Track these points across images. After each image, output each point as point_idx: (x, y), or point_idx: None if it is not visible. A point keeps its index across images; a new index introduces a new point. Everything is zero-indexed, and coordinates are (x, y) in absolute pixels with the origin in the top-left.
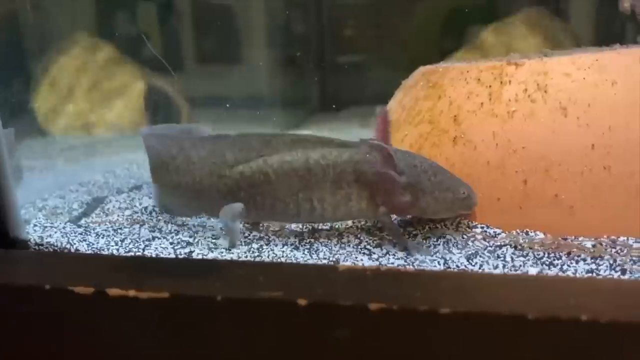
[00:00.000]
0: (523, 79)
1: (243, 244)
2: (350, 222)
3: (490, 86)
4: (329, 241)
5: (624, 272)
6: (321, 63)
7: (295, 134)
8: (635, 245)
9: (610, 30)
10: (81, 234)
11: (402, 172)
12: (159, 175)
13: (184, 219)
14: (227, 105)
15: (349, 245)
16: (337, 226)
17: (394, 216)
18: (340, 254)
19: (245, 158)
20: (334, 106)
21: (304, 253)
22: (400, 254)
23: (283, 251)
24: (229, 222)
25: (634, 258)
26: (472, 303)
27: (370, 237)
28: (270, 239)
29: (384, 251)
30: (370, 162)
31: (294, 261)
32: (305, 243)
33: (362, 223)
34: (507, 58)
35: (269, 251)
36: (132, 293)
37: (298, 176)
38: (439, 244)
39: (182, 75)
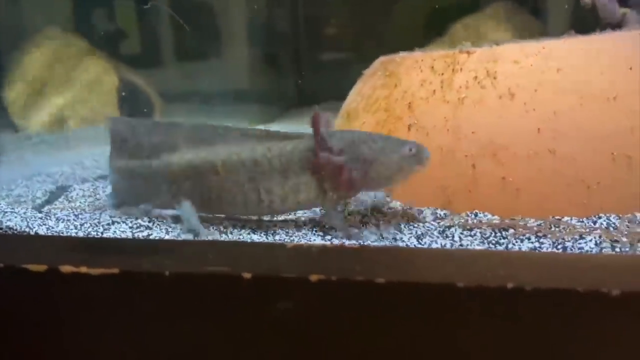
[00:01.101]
0: (474, 66)
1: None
2: (308, 212)
3: (442, 74)
4: (287, 225)
5: (565, 249)
6: (298, 59)
7: (244, 128)
8: (578, 224)
9: (581, 24)
10: (41, 218)
11: (342, 151)
12: (114, 158)
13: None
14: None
15: (305, 229)
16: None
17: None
18: (296, 236)
19: (194, 148)
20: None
21: (260, 236)
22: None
23: (240, 234)
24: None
25: (575, 236)
26: (406, 273)
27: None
28: (228, 225)
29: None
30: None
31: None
32: (264, 227)
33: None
34: (459, 47)
35: (227, 234)
36: (83, 270)
37: (244, 167)
38: (391, 226)
39: (160, 70)
